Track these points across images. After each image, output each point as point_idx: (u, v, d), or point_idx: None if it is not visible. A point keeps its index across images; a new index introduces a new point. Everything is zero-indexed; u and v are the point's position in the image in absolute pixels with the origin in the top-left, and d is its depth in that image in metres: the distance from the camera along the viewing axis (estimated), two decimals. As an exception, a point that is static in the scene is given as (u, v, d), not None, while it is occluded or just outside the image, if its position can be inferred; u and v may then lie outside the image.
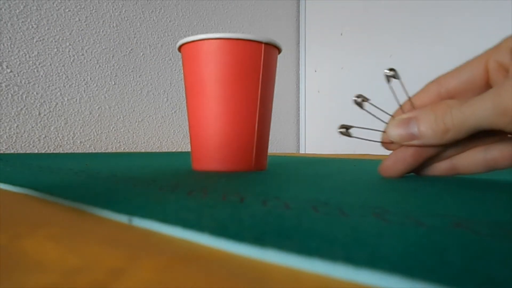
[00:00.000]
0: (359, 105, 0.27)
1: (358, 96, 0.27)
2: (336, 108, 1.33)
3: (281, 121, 1.38)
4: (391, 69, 0.27)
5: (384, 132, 0.27)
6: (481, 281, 0.07)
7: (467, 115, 0.21)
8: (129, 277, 0.08)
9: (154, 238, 0.11)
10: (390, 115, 0.28)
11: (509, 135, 0.25)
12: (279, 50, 0.34)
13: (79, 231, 0.12)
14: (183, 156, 0.61)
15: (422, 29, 1.12)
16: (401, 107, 0.27)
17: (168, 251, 0.10)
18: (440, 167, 0.27)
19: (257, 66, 0.31)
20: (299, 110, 1.47)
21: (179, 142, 1.01)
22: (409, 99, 0.27)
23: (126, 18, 0.90)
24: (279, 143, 1.37)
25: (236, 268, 0.09)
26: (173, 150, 0.99)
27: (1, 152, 0.69)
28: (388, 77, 0.27)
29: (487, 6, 1.00)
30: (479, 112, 0.21)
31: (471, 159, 0.26)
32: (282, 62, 1.39)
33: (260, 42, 0.31)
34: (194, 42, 0.31)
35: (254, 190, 0.19)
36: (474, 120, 0.21)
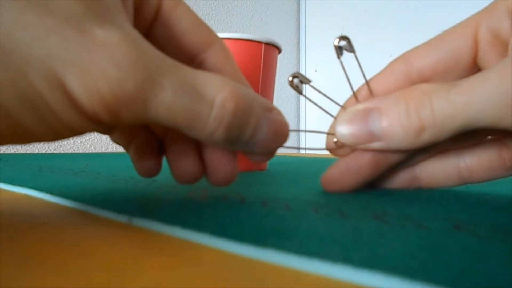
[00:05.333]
0: (297, 88, 0.18)
1: (295, 75, 0.18)
2: (336, 108, 1.33)
3: (281, 121, 1.37)
4: (342, 37, 0.18)
5: (330, 134, 0.19)
6: (480, 283, 0.07)
7: (457, 107, 0.14)
8: (129, 277, 0.08)
9: (154, 238, 0.11)
10: (339, 105, 0.19)
11: (489, 137, 0.19)
12: (279, 50, 0.34)
13: (79, 231, 0.12)
14: (183, 156, 0.61)
15: (422, 29, 1.12)
16: (354, 93, 0.19)
17: (168, 251, 0.10)
18: (397, 179, 0.20)
19: (257, 66, 0.31)
20: (299, 110, 1.47)
21: (179, 142, 1.01)
22: (367, 82, 0.19)
23: (126, 18, 0.90)
24: (279, 143, 1.36)
25: (236, 268, 0.09)
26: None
27: (1, 152, 0.69)
28: (339, 49, 0.18)
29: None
30: (477, 102, 0.14)
31: (439, 169, 0.19)
32: (282, 62, 1.39)
33: (260, 42, 0.31)
34: (194, 42, 0.31)
35: (254, 190, 0.19)
36: (468, 115, 0.14)
